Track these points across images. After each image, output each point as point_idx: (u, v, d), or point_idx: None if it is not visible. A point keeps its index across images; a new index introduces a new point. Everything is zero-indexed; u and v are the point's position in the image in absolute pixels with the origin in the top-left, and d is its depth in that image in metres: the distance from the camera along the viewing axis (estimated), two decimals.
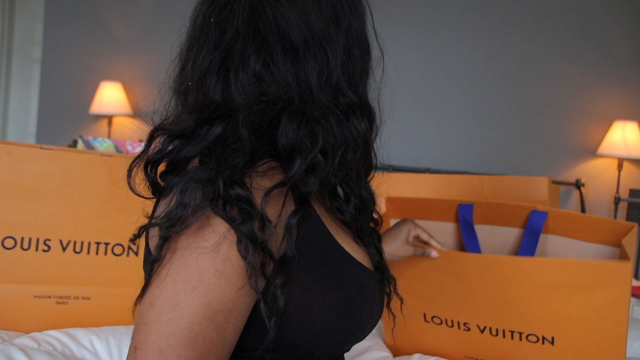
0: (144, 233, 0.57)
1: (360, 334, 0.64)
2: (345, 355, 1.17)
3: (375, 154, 0.68)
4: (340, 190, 0.66)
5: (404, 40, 2.85)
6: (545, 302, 0.93)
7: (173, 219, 0.50)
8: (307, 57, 0.59)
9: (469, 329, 1.04)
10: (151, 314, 0.48)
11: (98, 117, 3.14)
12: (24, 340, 1.04)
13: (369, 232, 0.69)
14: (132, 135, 3.00)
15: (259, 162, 0.55)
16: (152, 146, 0.58)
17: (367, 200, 0.68)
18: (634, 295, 2.19)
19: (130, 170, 0.58)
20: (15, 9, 3.42)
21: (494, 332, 1.01)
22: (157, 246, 0.51)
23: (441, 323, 1.08)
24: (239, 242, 0.50)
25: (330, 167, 0.59)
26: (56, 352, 1.02)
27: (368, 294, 0.63)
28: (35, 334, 1.07)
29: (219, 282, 0.49)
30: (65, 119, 3.16)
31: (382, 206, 1.61)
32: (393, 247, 0.98)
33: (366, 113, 0.63)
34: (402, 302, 0.77)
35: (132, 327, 0.84)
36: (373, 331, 1.40)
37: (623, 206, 2.73)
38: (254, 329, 0.55)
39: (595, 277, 0.88)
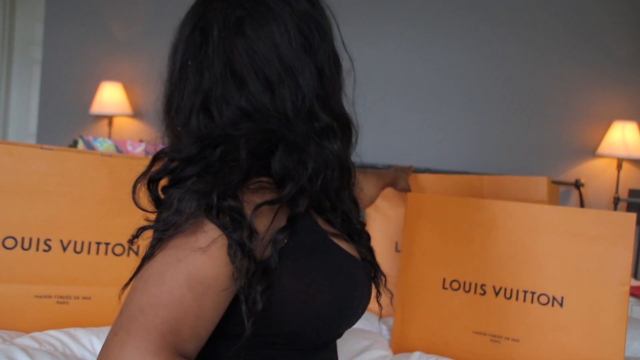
0: (141, 235, 0.62)
1: (353, 318, 0.70)
2: (346, 354, 1.18)
3: (353, 165, 0.74)
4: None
5: (404, 40, 2.85)
6: (557, 253, 1.06)
7: (168, 224, 0.56)
8: (281, 89, 0.64)
9: (484, 293, 1.13)
10: (139, 282, 0.54)
11: (98, 117, 3.15)
12: (25, 340, 1.04)
13: (358, 233, 0.76)
14: (133, 135, 3.01)
15: (251, 180, 0.60)
16: (155, 167, 0.63)
17: (350, 212, 0.75)
18: (633, 295, 2.19)
19: (134, 187, 0.63)
20: (15, 9, 3.42)
21: (507, 294, 1.10)
22: (150, 245, 0.57)
23: (458, 288, 1.16)
24: (229, 247, 0.55)
25: (315, 188, 0.64)
26: (57, 352, 1.02)
27: (358, 281, 0.69)
28: (36, 334, 1.07)
29: (202, 258, 0.54)
30: (65, 119, 3.16)
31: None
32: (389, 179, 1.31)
33: (343, 128, 0.69)
34: (392, 296, 0.84)
35: None
36: (373, 329, 1.40)
37: (622, 206, 2.73)
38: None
39: (600, 228, 1.02)
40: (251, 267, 0.56)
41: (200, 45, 0.65)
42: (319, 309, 0.63)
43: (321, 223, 0.70)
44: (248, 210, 0.58)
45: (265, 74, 0.64)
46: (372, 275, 0.77)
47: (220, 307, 0.56)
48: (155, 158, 0.63)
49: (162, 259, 0.54)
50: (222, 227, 0.55)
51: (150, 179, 0.62)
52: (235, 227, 0.55)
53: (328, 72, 0.69)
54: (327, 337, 0.68)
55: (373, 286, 0.77)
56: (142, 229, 0.61)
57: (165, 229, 0.55)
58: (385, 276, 0.79)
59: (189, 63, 0.66)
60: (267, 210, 0.60)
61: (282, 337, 0.63)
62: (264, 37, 0.64)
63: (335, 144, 0.67)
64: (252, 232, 0.56)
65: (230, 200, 0.56)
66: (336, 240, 0.70)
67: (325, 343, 0.70)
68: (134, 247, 1.17)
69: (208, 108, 0.65)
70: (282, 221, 0.62)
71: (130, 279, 0.56)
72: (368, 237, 0.79)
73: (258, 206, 0.58)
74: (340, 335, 0.73)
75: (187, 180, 0.59)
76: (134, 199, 0.62)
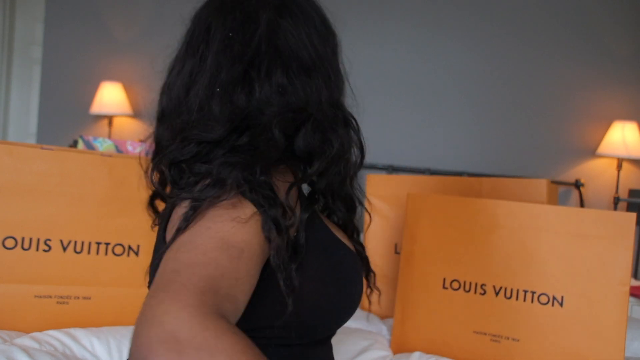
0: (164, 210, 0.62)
1: (352, 310, 0.72)
2: (346, 354, 1.18)
3: (363, 156, 0.76)
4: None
5: (404, 40, 2.85)
6: (558, 253, 1.06)
7: (207, 193, 0.56)
8: (317, 75, 0.68)
9: (484, 292, 1.13)
10: (170, 253, 0.52)
11: (98, 118, 3.15)
12: (25, 340, 1.04)
13: (352, 228, 0.80)
14: (133, 135, 3.00)
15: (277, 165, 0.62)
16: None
17: (356, 199, 0.77)
18: (633, 295, 2.19)
19: (153, 169, 0.64)
20: (15, 9, 3.42)
21: (508, 294, 1.10)
22: (184, 216, 0.55)
23: (459, 288, 1.16)
24: (264, 222, 0.55)
25: (337, 169, 0.67)
26: (57, 352, 1.02)
27: (357, 275, 0.73)
28: (36, 334, 1.07)
29: (232, 224, 0.53)
30: (65, 119, 3.16)
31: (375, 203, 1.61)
32: None
33: (352, 124, 0.72)
34: (380, 293, 0.88)
35: (132, 327, 0.84)
36: (373, 329, 1.40)
37: (622, 206, 2.73)
38: (269, 307, 0.61)
39: (600, 228, 1.02)
40: (284, 245, 0.57)
41: (244, 22, 0.67)
42: (325, 303, 0.66)
43: (322, 215, 0.73)
44: (281, 189, 0.59)
45: (302, 58, 0.67)
46: (365, 271, 0.80)
47: (255, 273, 0.54)
48: (185, 139, 0.62)
49: (192, 229, 0.53)
50: (258, 203, 0.55)
51: (172, 161, 0.62)
52: (271, 204, 0.55)
53: (340, 74, 0.75)
54: (330, 329, 0.71)
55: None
56: (180, 198, 0.60)
57: (203, 198, 0.55)
58: (375, 274, 0.83)
59: (230, 35, 0.66)
60: (292, 191, 0.62)
61: (289, 329, 0.63)
62: (301, 26, 0.68)
63: (355, 134, 0.71)
64: (286, 210, 0.57)
65: (266, 176, 0.57)
66: (337, 234, 0.72)
67: (326, 337, 0.72)
68: (135, 247, 1.17)
69: (250, 80, 0.65)
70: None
71: (161, 254, 0.54)
72: (358, 233, 0.83)
73: (292, 185, 0.60)
74: (338, 328, 0.74)
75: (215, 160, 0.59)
76: (151, 180, 0.62)
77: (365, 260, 0.80)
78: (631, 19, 2.74)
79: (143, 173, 0.71)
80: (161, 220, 0.69)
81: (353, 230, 0.80)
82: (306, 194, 0.72)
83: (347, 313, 0.71)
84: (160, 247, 0.64)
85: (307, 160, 0.65)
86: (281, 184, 0.61)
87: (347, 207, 0.76)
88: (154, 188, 0.66)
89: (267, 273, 0.58)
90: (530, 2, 2.79)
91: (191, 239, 0.52)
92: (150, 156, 0.70)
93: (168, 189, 0.67)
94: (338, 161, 0.66)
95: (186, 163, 0.61)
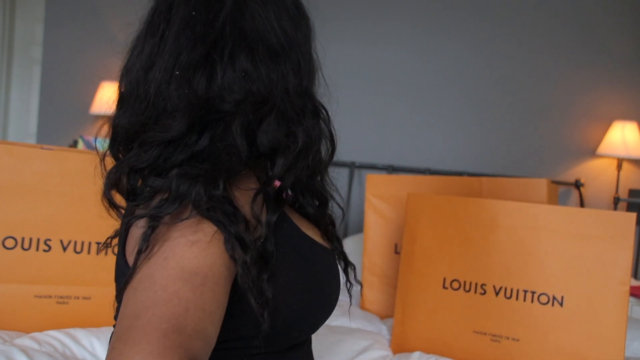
0: (121, 232, 0.59)
1: (329, 313, 0.69)
2: (346, 354, 1.18)
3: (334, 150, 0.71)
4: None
5: (404, 40, 2.85)
6: (558, 253, 1.06)
7: (165, 210, 0.51)
8: (285, 61, 0.62)
9: (484, 292, 1.13)
10: (129, 291, 0.48)
11: (99, 118, 3.15)
12: (25, 340, 1.04)
13: (325, 223, 0.74)
14: None
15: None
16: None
17: (327, 194, 0.73)
18: (633, 295, 2.19)
19: (114, 178, 0.59)
20: (15, 9, 3.42)
21: (508, 294, 1.11)
22: (143, 237, 0.51)
23: (459, 288, 1.16)
24: (226, 242, 0.51)
25: (304, 164, 0.62)
26: (57, 352, 1.02)
27: (333, 274, 0.69)
28: (36, 334, 1.07)
29: (191, 249, 0.49)
30: (65, 119, 3.16)
31: (374, 203, 1.61)
32: None
33: (322, 114, 0.67)
34: (361, 286, 0.84)
35: None
36: (373, 329, 1.40)
37: (622, 206, 2.73)
38: (242, 320, 0.57)
39: (601, 228, 1.03)
40: (251, 258, 0.52)
41: (208, 0, 0.61)
42: (301, 307, 0.62)
43: (288, 211, 0.68)
44: (241, 200, 0.55)
45: (270, 42, 0.62)
46: (343, 266, 0.76)
47: (223, 298, 0.50)
48: (143, 144, 0.57)
49: (150, 261, 0.49)
50: (218, 222, 0.51)
51: (131, 169, 0.57)
52: (232, 220, 0.51)
53: (313, 61, 0.70)
54: (307, 334, 0.68)
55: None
56: (135, 217, 0.55)
57: (161, 215, 0.51)
58: (354, 266, 0.79)
59: (193, 13, 0.61)
60: (259, 197, 0.58)
61: (261, 340, 0.58)
62: (270, 6, 0.63)
63: (325, 125, 0.66)
64: (248, 223, 0.53)
65: (225, 191, 0.52)
66: (308, 232, 0.68)
67: (301, 342, 0.68)
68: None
69: (212, 63, 0.59)
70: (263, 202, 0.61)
71: (126, 282, 0.50)
72: (334, 225, 0.78)
73: (257, 194, 0.56)
74: (315, 330, 0.71)
75: (171, 169, 0.54)
76: (107, 193, 0.57)
77: (342, 255, 0.76)
78: (631, 19, 2.74)
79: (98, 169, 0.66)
80: (118, 241, 0.65)
81: (327, 224, 0.74)
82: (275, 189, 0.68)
83: (323, 316, 0.68)
84: (122, 274, 0.60)
85: (272, 157, 0.60)
86: (244, 193, 0.57)
87: (319, 201, 0.72)
88: (110, 189, 0.60)
89: (236, 288, 0.53)
90: (530, 2, 2.79)
91: (149, 273, 0.48)
92: (107, 144, 0.65)
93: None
94: (306, 155, 0.62)
95: (145, 171, 0.57)
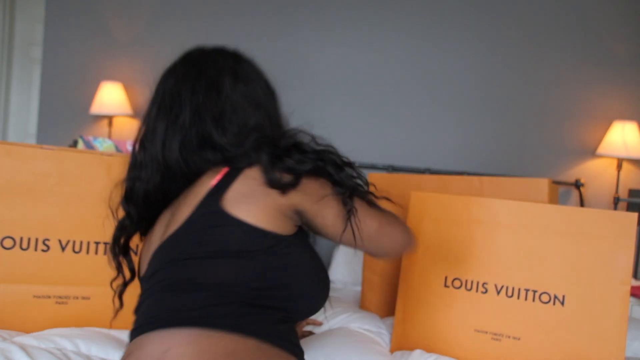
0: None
1: (327, 296, 0.88)
2: (346, 354, 1.18)
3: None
4: None
5: (404, 40, 2.85)
6: (559, 252, 1.07)
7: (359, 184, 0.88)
8: (267, 107, 0.95)
9: (486, 291, 1.13)
10: (382, 219, 0.93)
11: (98, 118, 3.15)
12: (24, 340, 1.04)
13: None
14: (133, 135, 2.99)
15: None
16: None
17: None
18: (633, 295, 2.19)
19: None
20: (15, 9, 3.42)
21: (509, 293, 1.11)
22: (343, 200, 0.84)
23: (460, 286, 1.16)
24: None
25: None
26: (56, 352, 1.02)
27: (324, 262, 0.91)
28: (35, 334, 1.07)
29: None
30: (65, 119, 3.16)
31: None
32: None
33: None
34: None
35: (130, 329, 0.85)
36: (372, 329, 1.40)
37: (622, 206, 2.73)
38: (305, 298, 0.83)
39: (602, 228, 1.03)
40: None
41: (209, 89, 0.90)
42: (313, 288, 0.83)
43: None
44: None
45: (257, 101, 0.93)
46: None
47: None
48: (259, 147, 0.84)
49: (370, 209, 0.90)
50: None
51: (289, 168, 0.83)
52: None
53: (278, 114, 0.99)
54: (308, 314, 0.88)
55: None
56: (352, 191, 0.85)
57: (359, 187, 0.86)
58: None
59: (201, 99, 0.90)
60: None
61: (290, 312, 0.80)
62: (250, 82, 0.94)
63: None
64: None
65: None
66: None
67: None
68: (134, 247, 1.16)
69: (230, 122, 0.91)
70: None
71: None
72: None
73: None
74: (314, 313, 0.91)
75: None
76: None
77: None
78: (631, 19, 2.74)
79: None
80: (215, 190, 0.83)
81: None
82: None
83: (326, 297, 0.87)
84: (214, 215, 0.80)
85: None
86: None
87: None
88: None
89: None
90: (530, 2, 2.79)
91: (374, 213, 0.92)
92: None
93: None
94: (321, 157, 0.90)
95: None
